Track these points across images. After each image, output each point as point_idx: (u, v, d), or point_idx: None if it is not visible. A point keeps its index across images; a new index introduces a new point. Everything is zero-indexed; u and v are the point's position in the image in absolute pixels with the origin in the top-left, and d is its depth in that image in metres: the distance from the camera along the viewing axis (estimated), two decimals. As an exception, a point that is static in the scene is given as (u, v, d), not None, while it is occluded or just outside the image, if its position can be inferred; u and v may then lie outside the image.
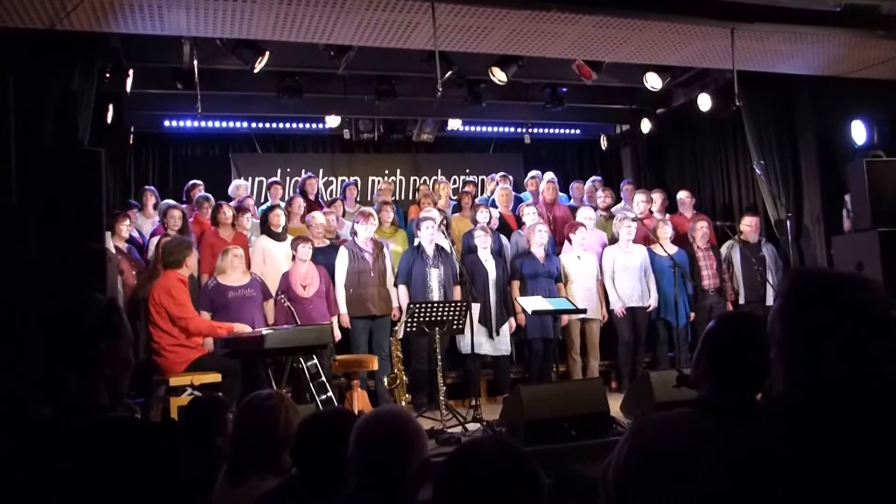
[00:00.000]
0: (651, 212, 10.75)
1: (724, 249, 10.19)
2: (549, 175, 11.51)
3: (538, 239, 9.33)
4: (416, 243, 9.19)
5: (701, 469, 1.80)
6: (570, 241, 9.77)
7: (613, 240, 10.07)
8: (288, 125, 12.83)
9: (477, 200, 11.24)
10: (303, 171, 12.54)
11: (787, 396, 1.85)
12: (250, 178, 12.74)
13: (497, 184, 11.75)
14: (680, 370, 5.46)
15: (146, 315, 7.47)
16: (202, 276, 8.97)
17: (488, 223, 9.81)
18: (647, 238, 10.05)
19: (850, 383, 1.77)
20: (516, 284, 9.27)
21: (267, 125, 12.72)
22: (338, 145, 13.42)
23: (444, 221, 9.59)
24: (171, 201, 10.12)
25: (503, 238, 10.09)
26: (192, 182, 11.13)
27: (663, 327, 9.88)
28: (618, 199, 11.70)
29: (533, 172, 12.04)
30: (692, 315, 9.75)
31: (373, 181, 13.25)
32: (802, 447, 1.69)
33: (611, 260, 9.73)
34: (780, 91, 10.08)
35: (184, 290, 7.58)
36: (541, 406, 6.75)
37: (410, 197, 13.14)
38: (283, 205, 10.07)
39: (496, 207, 10.82)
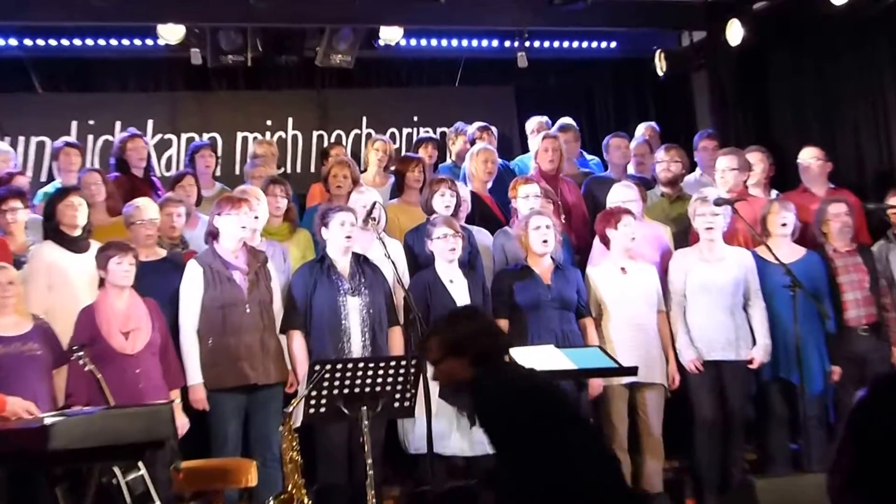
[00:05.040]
0: (747, 187, 10.58)
1: (875, 251, 9.91)
2: (564, 121, 11.70)
3: (537, 245, 9.06)
4: (319, 254, 9.06)
5: None
6: (605, 241, 9.49)
7: (685, 237, 9.88)
8: (92, 42, 12.92)
9: (437, 170, 11.46)
10: (117, 123, 12.82)
11: None
12: (21, 139, 12.79)
13: (473, 142, 11.67)
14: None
15: None
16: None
17: (455, 213, 9.58)
18: (743, 235, 9.88)
19: None
20: (505, 324, 8.92)
21: (55, 42, 12.79)
22: (181, 77, 13.67)
23: (373, 213, 9.09)
24: None
25: (484, 233, 10.09)
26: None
27: (779, 395, 9.53)
28: (692, 167, 11.51)
29: (536, 119, 12.06)
30: (835, 372, 9.41)
31: (244, 139, 13.52)
32: None
33: (682, 273, 9.49)
34: None
35: None
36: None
37: (312, 168, 13.46)
38: (81, 187, 9.79)
39: (466, 184, 10.69)
